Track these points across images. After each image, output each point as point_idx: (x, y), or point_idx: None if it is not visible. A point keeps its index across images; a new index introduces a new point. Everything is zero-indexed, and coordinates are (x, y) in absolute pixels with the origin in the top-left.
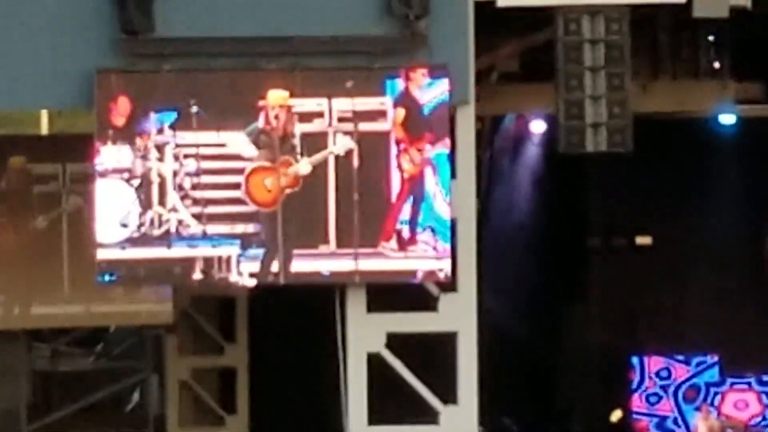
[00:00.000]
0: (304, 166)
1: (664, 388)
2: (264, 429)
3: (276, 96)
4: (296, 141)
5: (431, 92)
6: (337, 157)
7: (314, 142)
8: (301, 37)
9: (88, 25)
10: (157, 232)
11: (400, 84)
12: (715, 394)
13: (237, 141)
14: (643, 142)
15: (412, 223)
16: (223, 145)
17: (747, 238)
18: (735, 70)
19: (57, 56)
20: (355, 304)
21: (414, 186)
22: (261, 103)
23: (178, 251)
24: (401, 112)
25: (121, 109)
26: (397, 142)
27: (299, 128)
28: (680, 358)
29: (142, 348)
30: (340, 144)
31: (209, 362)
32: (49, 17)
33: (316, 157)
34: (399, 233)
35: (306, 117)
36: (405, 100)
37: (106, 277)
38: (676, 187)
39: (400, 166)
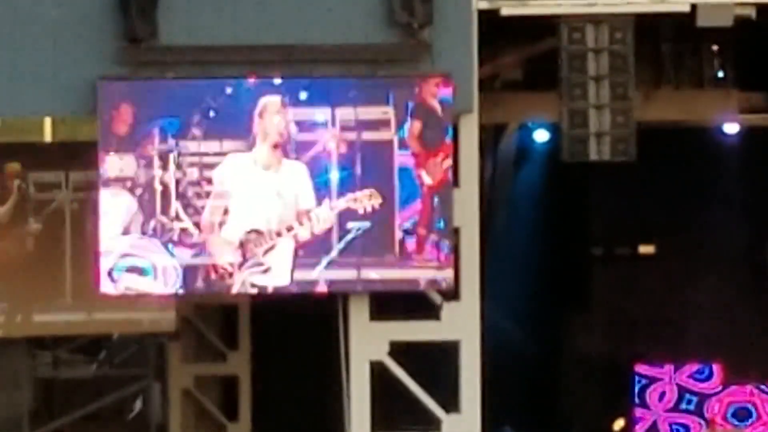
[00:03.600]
0: None
1: (666, 397)
2: None
3: (273, 101)
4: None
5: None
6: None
7: (308, 147)
8: (304, 45)
9: (91, 32)
10: (159, 240)
11: (414, 96)
12: (717, 402)
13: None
14: (647, 151)
15: (421, 232)
16: (225, 154)
17: (750, 247)
18: (739, 79)
19: (60, 64)
20: (358, 312)
21: (432, 197)
22: (259, 111)
23: (181, 260)
24: (417, 125)
25: (124, 117)
26: (415, 156)
27: (302, 137)
28: (682, 366)
29: (144, 356)
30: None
31: (212, 370)
32: (52, 25)
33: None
34: (402, 242)
35: (309, 126)
36: (420, 112)
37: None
38: (680, 196)
39: (420, 180)
